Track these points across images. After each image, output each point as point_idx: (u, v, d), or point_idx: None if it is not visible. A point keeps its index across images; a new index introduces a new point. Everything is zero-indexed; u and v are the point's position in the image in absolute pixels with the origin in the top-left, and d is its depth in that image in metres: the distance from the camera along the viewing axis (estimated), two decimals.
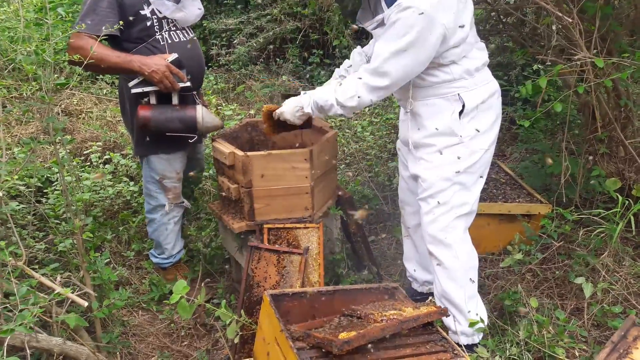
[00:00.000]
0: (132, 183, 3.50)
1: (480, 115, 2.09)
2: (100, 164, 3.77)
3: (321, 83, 5.46)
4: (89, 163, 3.84)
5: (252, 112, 4.57)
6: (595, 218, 2.60)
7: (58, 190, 3.19)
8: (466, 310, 2.17)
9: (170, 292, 2.68)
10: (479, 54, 2.10)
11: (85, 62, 2.04)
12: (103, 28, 2.18)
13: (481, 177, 2.18)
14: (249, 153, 2.30)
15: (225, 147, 2.39)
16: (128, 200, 3.42)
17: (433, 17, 1.85)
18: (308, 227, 2.36)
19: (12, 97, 2.12)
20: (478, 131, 2.08)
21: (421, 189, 2.17)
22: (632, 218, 2.46)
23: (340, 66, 2.47)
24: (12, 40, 1.95)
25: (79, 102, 4.99)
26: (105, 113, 4.83)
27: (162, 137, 2.49)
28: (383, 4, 1.99)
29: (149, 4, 2.41)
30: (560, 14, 2.03)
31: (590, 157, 2.84)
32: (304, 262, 2.27)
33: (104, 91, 5.32)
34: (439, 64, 2.02)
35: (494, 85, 2.15)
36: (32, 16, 2.00)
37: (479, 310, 2.21)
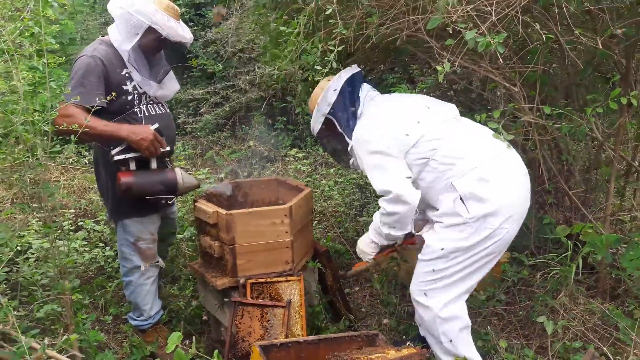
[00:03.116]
0: (107, 248, 3.53)
1: (486, 195, 2.12)
2: (71, 231, 3.78)
3: (285, 147, 5.73)
4: (59, 231, 3.82)
5: (222, 175, 4.72)
6: (549, 262, 2.85)
7: (32, 257, 3.18)
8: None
9: (151, 354, 2.68)
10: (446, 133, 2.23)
11: (80, 131, 2.16)
12: (97, 99, 2.32)
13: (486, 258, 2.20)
14: (232, 211, 2.44)
15: (208, 207, 2.52)
16: (102, 265, 3.43)
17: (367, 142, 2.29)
18: (290, 280, 2.47)
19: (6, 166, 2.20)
20: (486, 213, 2.12)
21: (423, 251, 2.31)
22: (580, 260, 2.71)
23: None
24: (11, 112, 2.06)
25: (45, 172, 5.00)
26: (73, 182, 4.86)
27: (136, 201, 2.55)
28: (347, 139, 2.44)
29: (131, 80, 2.54)
30: (507, 84, 2.34)
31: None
32: (287, 314, 2.37)
33: (70, 160, 5.35)
34: (420, 165, 2.24)
35: (493, 164, 2.16)
36: (28, 89, 2.12)
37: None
